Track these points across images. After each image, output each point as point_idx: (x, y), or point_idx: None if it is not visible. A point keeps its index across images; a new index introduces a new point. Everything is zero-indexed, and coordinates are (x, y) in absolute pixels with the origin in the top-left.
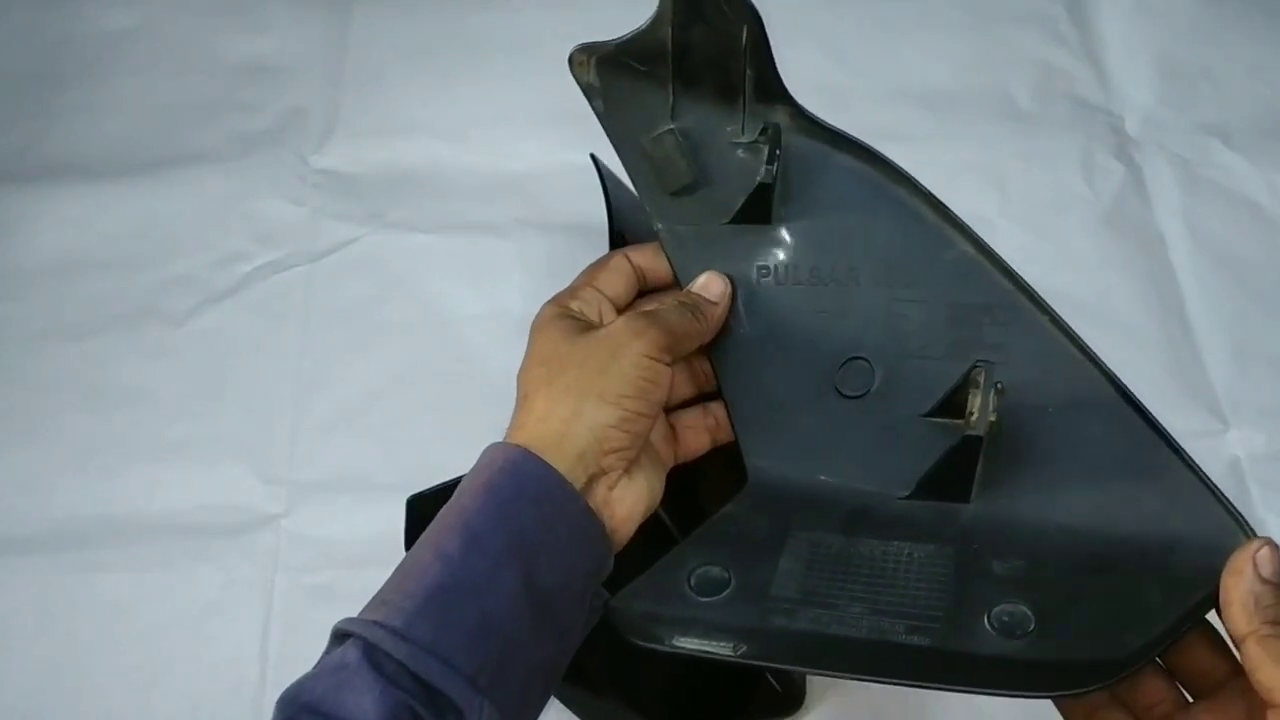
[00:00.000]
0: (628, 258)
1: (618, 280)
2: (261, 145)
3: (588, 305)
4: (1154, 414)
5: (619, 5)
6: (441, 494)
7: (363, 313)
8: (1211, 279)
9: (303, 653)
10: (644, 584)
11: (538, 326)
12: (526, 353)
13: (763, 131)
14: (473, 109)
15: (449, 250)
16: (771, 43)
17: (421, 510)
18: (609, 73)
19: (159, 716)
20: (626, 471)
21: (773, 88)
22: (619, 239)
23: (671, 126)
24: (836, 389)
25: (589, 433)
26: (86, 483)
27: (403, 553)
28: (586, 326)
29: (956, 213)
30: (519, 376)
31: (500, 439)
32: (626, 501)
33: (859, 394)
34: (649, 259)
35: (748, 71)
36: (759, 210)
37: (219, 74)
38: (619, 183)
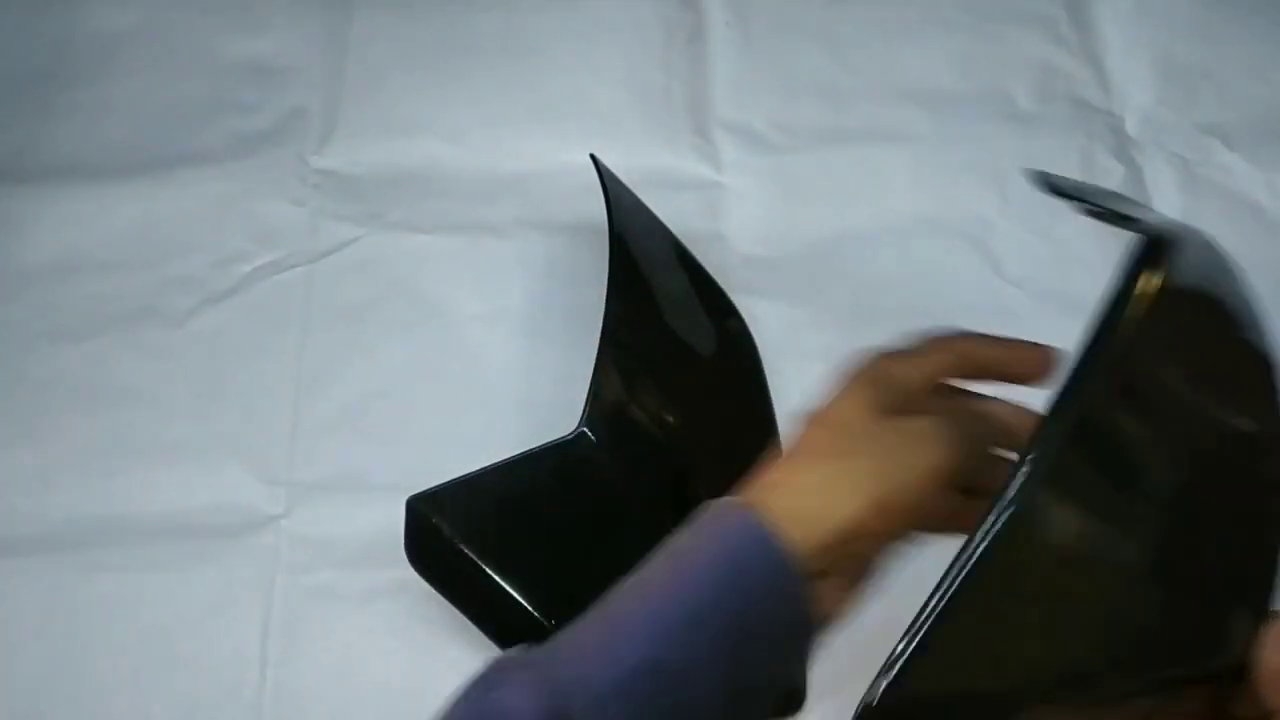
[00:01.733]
0: (973, 348)
1: (950, 365)
2: (261, 145)
3: (909, 377)
4: None
5: (619, 5)
6: (440, 494)
7: (363, 313)
8: None
9: (302, 653)
10: None
11: (848, 382)
12: (825, 404)
13: None
14: (473, 109)
15: (449, 250)
16: (772, 42)
17: (420, 510)
18: None
19: (159, 717)
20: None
21: None
22: (619, 240)
23: None
24: None
25: (844, 532)
26: (86, 483)
27: (402, 553)
28: (895, 407)
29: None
30: (804, 425)
31: (501, 440)
32: (826, 606)
33: None
34: (993, 351)
35: None
36: None
37: (219, 74)
38: (619, 183)
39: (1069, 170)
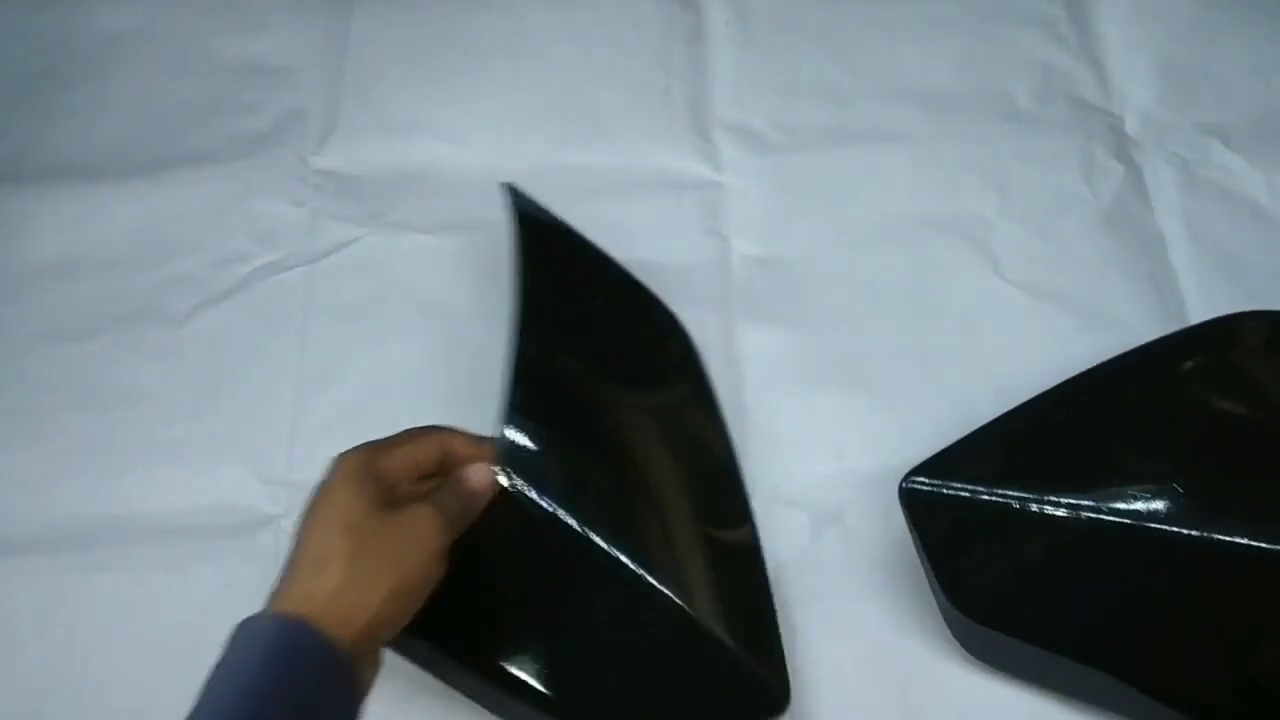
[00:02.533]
0: (449, 440)
1: (431, 456)
2: (261, 145)
3: (392, 470)
4: None
5: (619, 5)
6: None
7: (363, 313)
8: (1211, 279)
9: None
10: None
11: (343, 479)
12: (325, 502)
13: None
14: (473, 109)
15: (449, 250)
16: (772, 42)
17: None
18: None
19: (159, 717)
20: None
21: None
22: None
23: None
24: None
25: (373, 625)
26: (86, 483)
27: None
28: (390, 500)
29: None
30: (308, 524)
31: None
32: (365, 682)
33: None
34: (465, 446)
35: None
36: None
37: (219, 74)
38: (534, 211)
39: (1069, 170)
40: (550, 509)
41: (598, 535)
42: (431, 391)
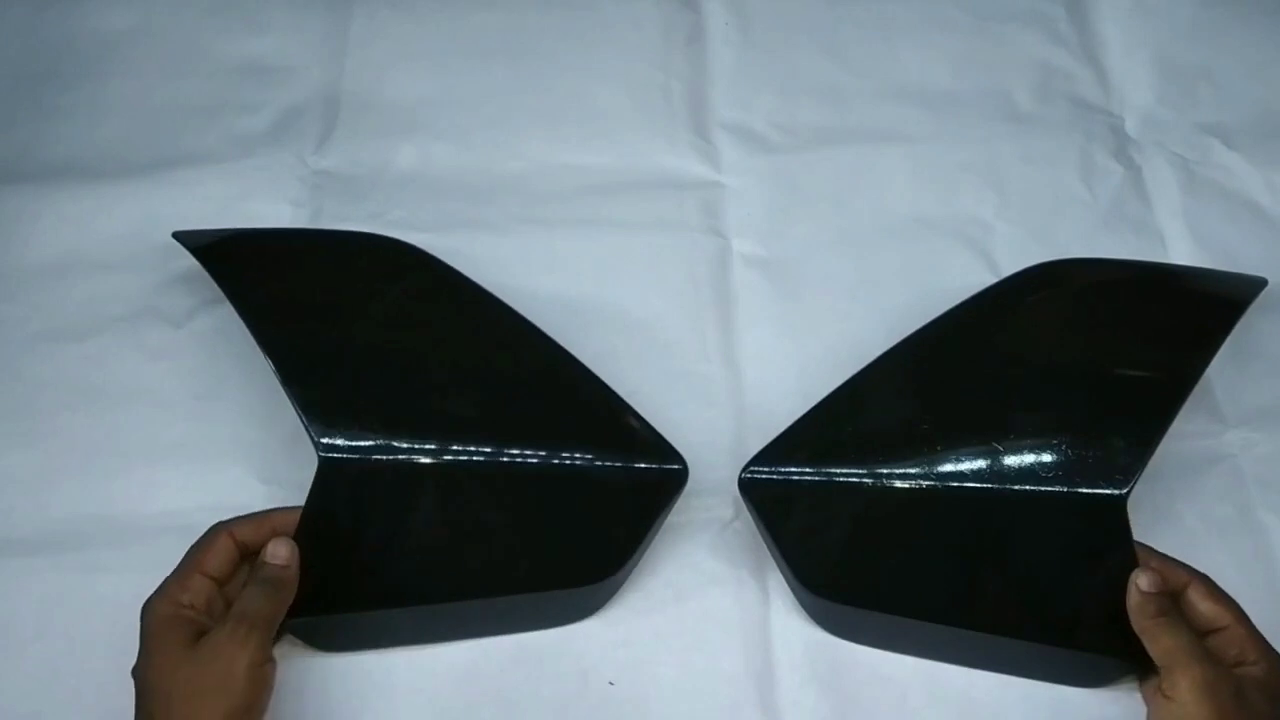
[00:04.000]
0: (231, 535)
1: (222, 561)
2: (261, 145)
3: (197, 595)
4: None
5: (619, 5)
6: None
7: None
8: None
9: (301, 652)
10: None
11: (151, 630)
12: (143, 655)
13: None
14: (473, 109)
15: (449, 250)
16: (772, 42)
17: None
18: None
19: None
20: None
21: None
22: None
23: None
24: None
25: None
26: (86, 483)
27: None
28: (198, 629)
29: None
30: (137, 678)
31: None
32: None
33: None
34: (250, 531)
35: None
36: None
37: (219, 74)
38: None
39: (1068, 170)
40: (394, 460)
41: (432, 453)
42: None
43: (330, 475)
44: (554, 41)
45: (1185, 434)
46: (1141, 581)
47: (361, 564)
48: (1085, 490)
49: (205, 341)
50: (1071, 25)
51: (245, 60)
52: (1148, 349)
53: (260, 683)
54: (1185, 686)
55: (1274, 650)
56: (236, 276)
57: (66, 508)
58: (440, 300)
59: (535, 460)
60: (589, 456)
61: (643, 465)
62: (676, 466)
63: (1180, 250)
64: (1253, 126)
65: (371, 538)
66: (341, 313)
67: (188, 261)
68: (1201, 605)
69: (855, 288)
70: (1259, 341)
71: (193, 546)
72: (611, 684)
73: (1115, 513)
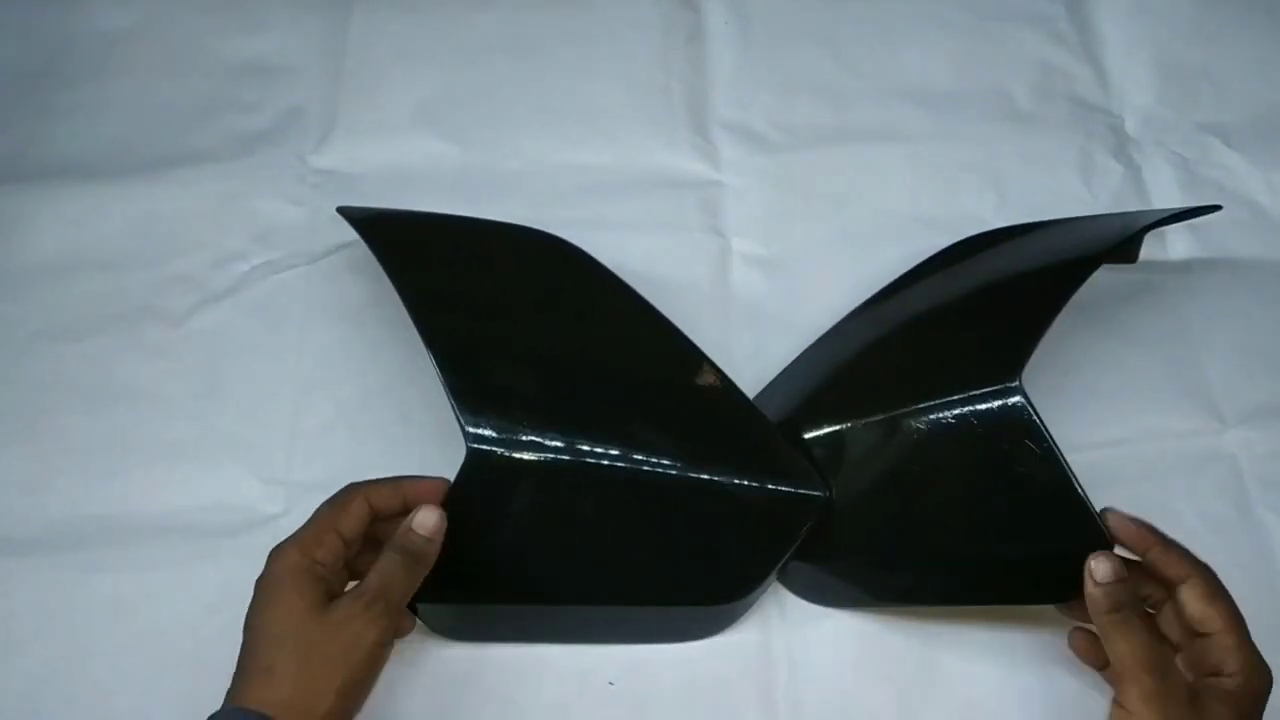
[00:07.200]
0: (367, 499)
1: (355, 523)
2: (260, 145)
3: (329, 553)
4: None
5: (619, 5)
6: None
7: (362, 313)
8: (1211, 279)
9: None
10: None
11: (280, 577)
12: (267, 607)
13: None
14: (473, 109)
15: None
16: (772, 42)
17: None
18: None
19: (159, 717)
20: None
21: None
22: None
23: None
24: None
25: (330, 716)
26: (86, 483)
27: None
28: (326, 589)
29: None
30: (254, 628)
31: None
32: None
33: None
34: (385, 497)
35: None
36: None
37: (218, 74)
38: (370, 215)
39: (1068, 170)
40: (538, 458)
41: (575, 453)
42: (431, 390)
43: (477, 464)
44: (554, 41)
45: (1184, 433)
46: (1097, 571)
47: (491, 556)
48: (979, 390)
49: (205, 341)
50: (1071, 25)
51: (245, 60)
52: (1031, 272)
53: (379, 661)
54: (1135, 696)
55: (1262, 664)
56: (398, 255)
57: (66, 507)
58: (595, 300)
59: (674, 471)
60: (728, 473)
61: (781, 488)
62: (817, 493)
63: (1180, 249)
64: (1253, 126)
65: (506, 531)
66: (499, 304)
67: (186, 261)
68: (1192, 606)
69: (855, 287)
70: (1258, 340)
71: (325, 503)
72: (611, 684)
73: (1017, 412)
